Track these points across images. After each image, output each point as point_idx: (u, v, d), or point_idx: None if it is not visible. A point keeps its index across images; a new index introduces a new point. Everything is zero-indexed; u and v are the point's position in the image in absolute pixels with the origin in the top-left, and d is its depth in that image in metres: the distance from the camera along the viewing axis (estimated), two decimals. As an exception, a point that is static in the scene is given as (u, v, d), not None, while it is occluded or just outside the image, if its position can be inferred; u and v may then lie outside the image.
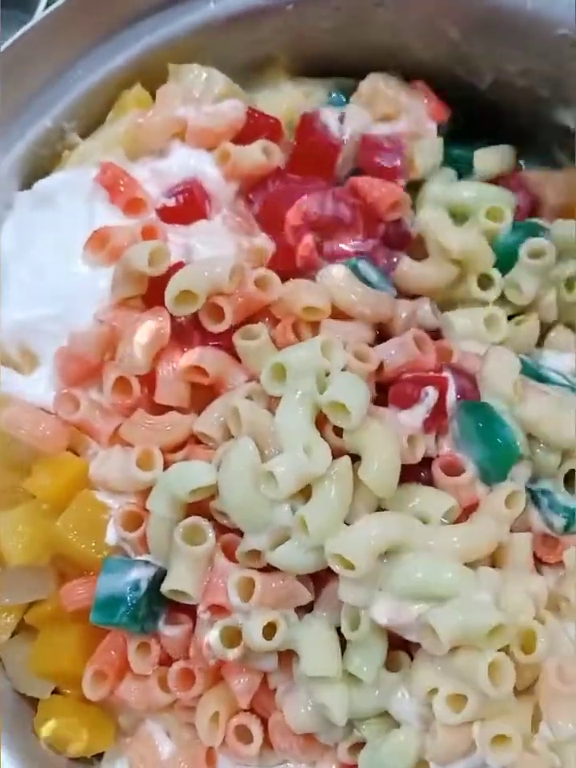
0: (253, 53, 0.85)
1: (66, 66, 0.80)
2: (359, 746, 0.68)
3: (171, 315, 0.72)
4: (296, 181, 0.80)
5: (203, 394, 0.72)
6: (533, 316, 0.80)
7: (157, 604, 0.69)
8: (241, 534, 0.67)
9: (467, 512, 0.70)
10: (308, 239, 0.76)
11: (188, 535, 0.67)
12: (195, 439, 0.72)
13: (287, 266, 0.76)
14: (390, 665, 0.67)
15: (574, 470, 0.74)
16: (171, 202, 0.79)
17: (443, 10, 0.81)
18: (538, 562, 0.73)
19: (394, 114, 0.84)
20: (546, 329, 0.81)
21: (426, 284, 0.78)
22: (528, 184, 0.86)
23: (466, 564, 0.66)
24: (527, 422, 0.71)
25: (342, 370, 0.68)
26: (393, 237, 0.79)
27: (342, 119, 0.81)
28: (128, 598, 0.68)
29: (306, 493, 0.65)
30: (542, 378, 0.75)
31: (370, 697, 0.67)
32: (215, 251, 0.75)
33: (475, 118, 0.87)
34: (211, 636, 0.66)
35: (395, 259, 0.78)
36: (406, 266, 0.78)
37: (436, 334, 0.76)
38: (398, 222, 0.79)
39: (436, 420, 0.71)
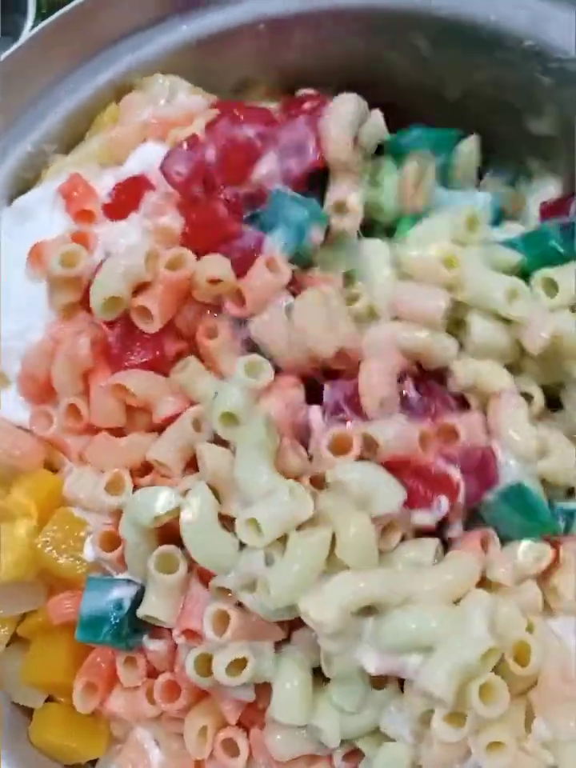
0: (234, 73, 0.84)
1: (45, 89, 0.79)
2: (355, 752, 0.67)
3: (106, 324, 0.70)
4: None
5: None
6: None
7: (140, 621, 0.68)
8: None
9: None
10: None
11: (161, 564, 0.66)
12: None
13: (203, 241, 0.71)
14: (377, 682, 0.65)
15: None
16: (108, 200, 0.75)
17: (412, 21, 0.79)
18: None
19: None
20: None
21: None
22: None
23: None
24: (547, 474, 0.68)
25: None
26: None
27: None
28: (111, 617, 0.68)
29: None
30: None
31: (361, 717, 0.66)
32: (130, 240, 0.73)
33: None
34: (188, 661, 0.65)
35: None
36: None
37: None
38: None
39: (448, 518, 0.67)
